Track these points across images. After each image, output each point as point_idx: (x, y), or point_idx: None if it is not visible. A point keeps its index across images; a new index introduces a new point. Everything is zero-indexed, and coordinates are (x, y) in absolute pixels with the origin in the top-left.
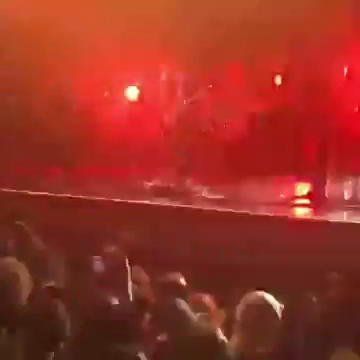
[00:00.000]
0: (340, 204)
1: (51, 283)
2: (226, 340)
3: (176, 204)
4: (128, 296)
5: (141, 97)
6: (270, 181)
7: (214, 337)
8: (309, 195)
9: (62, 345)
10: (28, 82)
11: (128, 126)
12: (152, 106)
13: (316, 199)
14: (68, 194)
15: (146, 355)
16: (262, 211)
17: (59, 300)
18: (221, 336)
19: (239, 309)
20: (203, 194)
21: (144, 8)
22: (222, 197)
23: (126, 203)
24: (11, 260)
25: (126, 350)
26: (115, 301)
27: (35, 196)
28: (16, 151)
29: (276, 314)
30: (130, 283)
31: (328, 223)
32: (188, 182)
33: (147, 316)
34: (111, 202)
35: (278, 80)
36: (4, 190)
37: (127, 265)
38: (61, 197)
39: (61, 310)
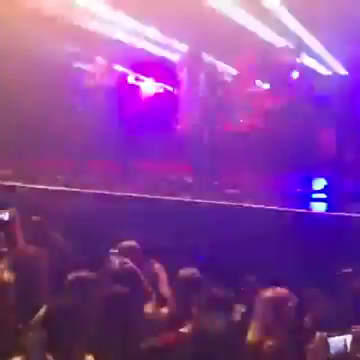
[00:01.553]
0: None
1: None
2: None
3: (192, 199)
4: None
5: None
6: (287, 176)
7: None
8: (325, 190)
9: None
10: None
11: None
12: (170, 100)
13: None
14: (83, 188)
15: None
16: (279, 206)
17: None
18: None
19: (255, 304)
20: (219, 188)
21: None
22: (238, 192)
23: (143, 198)
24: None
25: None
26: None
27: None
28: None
29: (290, 309)
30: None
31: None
32: (204, 177)
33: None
34: (128, 197)
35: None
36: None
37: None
38: (77, 191)
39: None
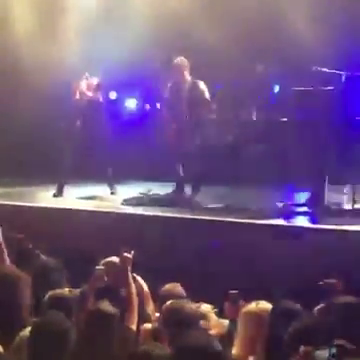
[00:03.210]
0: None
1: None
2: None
3: (175, 214)
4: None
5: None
6: (269, 189)
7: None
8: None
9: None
10: None
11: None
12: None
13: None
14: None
15: None
16: (261, 220)
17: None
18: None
19: (239, 318)
20: (202, 203)
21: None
22: (221, 206)
23: (125, 214)
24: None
25: None
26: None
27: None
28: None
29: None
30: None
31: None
32: (187, 192)
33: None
34: (110, 212)
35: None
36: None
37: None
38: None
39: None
